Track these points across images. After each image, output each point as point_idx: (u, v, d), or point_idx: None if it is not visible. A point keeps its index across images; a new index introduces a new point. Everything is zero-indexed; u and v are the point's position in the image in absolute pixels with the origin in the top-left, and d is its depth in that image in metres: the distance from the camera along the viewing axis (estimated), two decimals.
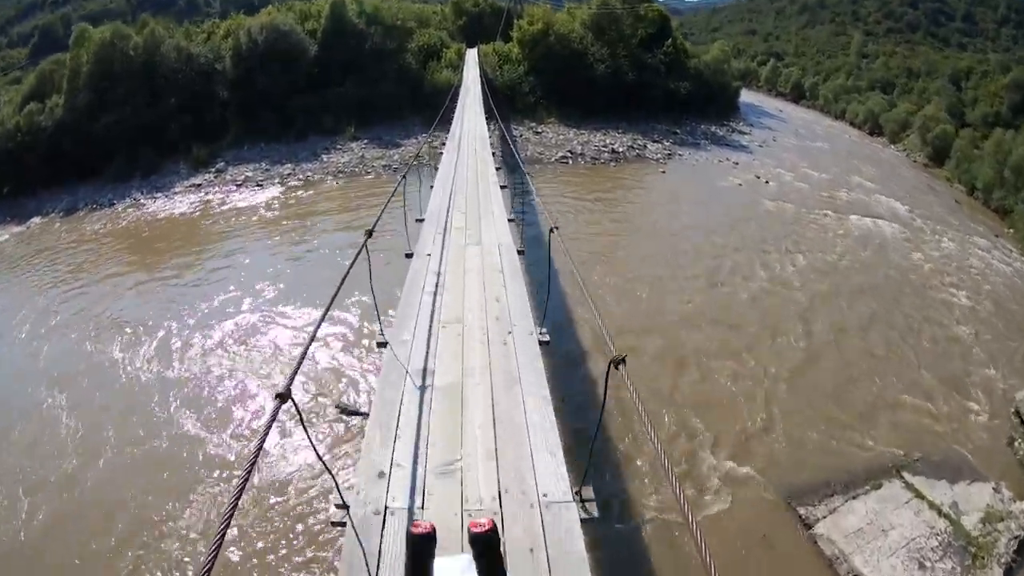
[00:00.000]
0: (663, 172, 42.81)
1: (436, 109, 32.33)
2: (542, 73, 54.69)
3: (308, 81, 47.39)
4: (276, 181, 37.86)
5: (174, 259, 27.92)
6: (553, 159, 42.71)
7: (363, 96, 47.20)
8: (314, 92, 46.86)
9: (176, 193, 37.85)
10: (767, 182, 41.42)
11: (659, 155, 47.05)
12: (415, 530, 3.59)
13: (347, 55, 48.94)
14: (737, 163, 46.27)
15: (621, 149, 46.33)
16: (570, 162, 42.71)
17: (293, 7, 56.26)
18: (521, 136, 45.90)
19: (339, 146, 43.04)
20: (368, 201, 33.28)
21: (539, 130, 49.01)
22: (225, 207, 34.79)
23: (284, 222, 31.73)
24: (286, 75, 46.52)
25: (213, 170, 40.54)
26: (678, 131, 55.46)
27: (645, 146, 48.70)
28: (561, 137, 47.75)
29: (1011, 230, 37.68)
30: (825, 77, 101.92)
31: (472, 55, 57.28)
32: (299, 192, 36.27)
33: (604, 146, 46.35)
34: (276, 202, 34.77)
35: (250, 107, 45.92)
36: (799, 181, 42.57)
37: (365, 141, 43.78)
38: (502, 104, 42.26)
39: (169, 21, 55.98)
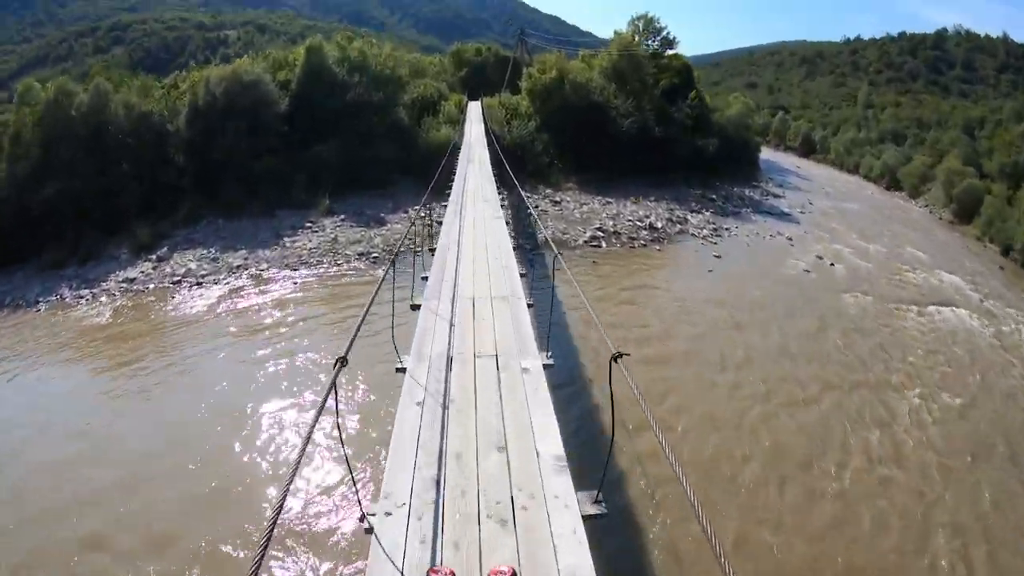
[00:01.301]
0: (717, 256, 32.44)
1: (431, 173, 24.10)
2: (556, 129, 44.12)
3: (280, 141, 36.65)
4: (221, 277, 26.77)
5: None
6: (581, 240, 32.10)
7: (344, 159, 36.44)
8: (286, 155, 36.06)
9: (104, 291, 26.48)
10: (832, 264, 32.99)
11: (704, 229, 36.81)
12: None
13: (326, 110, 38.30)
14: (791, 239, 37.44)
15: (659, 224, 35.69)
16: (603, 244, 32.02)
17: (268, 55, 46.18)
18: (537, 207, 35.33)
19: (310, 223, 32.15)
20: (337, 308, 23.38)
21: (557, 198, 38.32)
22: (147, 319, 23.56)
23: (206, 346, 20.67)
24: (252, 136, 35.96)
25: (154, 257, 29.29)
26: (714, 196, 45.69)
27: (686, 218, 38.27)
28: (586, 208, 37.03)
29: None
30: (835, 130, 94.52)
31: (475, 108, 46.99)
32: (243, 296, 24.89)
33: (639, 220, 35.72)
34: (210, 313, 23.52)
35: (209, 175, 35.07)
36: (859, 258, 34.92)
37: (342, 217, 32.89)
38: (511, 166, 31.85)
39: (130, 77, 45.13)
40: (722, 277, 29.11)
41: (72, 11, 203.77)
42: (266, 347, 20.01)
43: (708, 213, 41.10)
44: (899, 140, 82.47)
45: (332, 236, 30.25)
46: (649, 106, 47.06)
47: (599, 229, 33.14)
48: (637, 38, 49.73)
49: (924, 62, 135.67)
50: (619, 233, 33.29)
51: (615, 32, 51.65)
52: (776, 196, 51.64)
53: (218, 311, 23.60)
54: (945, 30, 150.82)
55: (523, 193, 23.50)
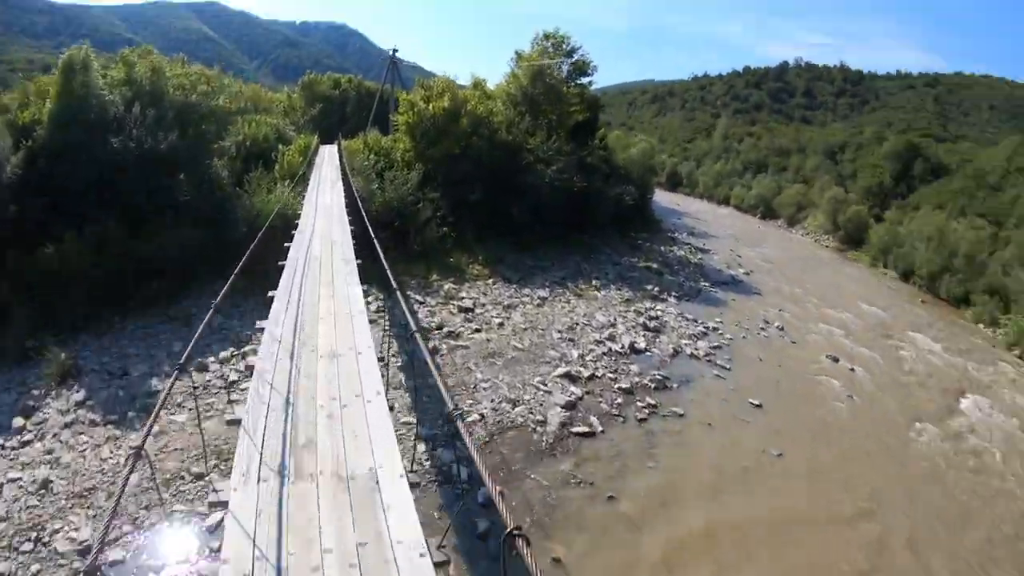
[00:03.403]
0: (757, 405, 18.37)
1: (256, 269, 14.08)
2: (450, 182, 28.46)
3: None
4: None
5: None
6: (550, 429, 14.71)
7: (105, 260, 18.10)
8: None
9: None
10: (852, 369, 23.14)
11: (698, 342, 22.53)
12: None
13: (88, 166, 19.21)
14: (780, 328, 26.74)
15: (642, 343, 20.78)
16: (594, 425, 15.31)
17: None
18: (437, 328, 19.18)
19: (21, 414, 13.61)
20: None
21: (464, 297, 22.08)
22: None
23: None
24: None
25: None
26: (655, 265, 32.66)
27: (662, 320, 23.77)
28: (517, 319, 20.95)
29: (993, 328, 31.83)
30: (698, 163, 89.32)
31: (331, 155, 31.29)
32: None
33: (609, 339, 20.56)
34: None
35: None
36: (848, 339, 26.82)
37: (83, 394, 14.33)
38: (387, 244, 18.31)
39: None
40: (788, 450, 16.13)
41: None
42: None
43: (672, 299, 27.27)
44: (761, 169, 78.33)
45: (49, 459, 12.21)
46: (566, 147, 32.68)
47: (567, 378, 17.06)
48: (551, 59, 34.81)
49: (768, 93, 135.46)
50: (596, 377, 17.64)
51: (516, 54, 36.41)
52: (702, 251, 41.23)
53: None
54: (786, 63, 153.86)
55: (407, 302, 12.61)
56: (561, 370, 17.10)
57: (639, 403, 16.68)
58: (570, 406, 15.45)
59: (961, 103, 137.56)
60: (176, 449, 12.27)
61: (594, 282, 26.92)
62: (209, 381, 14.63)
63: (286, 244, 14.63)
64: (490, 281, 24.36)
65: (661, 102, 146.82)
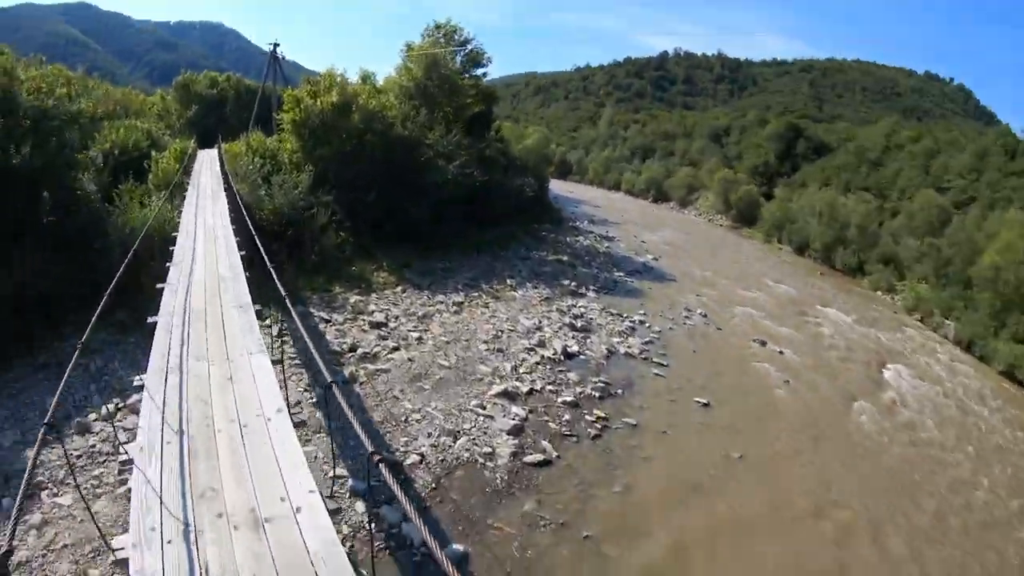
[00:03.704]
0: (704, 404, 17.11)
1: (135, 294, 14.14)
2: (344, 184, 25.25)
3: None
4: None
5: None
6: (500, 462, 12.39)
7: None
8: None
9: None
10: (781, 351, 22.74)
11: (628, 339, 20.89)
12: None
13: None
14: (704, 315, 25.92)
15: (574, 346, 18.86)
16: (549, 450, 13.09)
17: None
18: (350, 350, 16.25)
19: None
20: None
21: (373, 311, 19.15)
22: None
23: None
24: None
25: None
26: (565, 258, 31.07)
27: (588, 319, 21.92)
28: (436, 330, 18.40)
29: (891, 295, 33.79)
30: (586, 151, 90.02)
31: (209, 161, 27.96)
32: None
33: (539, 343, 18.56)
34: None
35: None
36: (768, 320, 26.69)
37: None
38: (277, 257, 15.90)
39: None
40: (746, 450, 15.12)
41: None
42: None
43: (591, 292, 25.61)
44: (648, 154, 79.67)
45: None
46: (465, 141, 30.15)
47: (506, 397, 14.74)
48: (445, 50, 32.02)
49: (650, 82, 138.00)
50: (535, 391, 15.43)
51: (407, 45, 33.35)
52: (607, 239, 40.30)
53: None
54: (666, 53, 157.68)
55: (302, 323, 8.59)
56: (497, 388, 14.90)
57: (588, 417, 14.74)
58: (516, 430, 13.28)
59: (835, 86, 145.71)
60: (66, 546, 9.34)
61: (508, 281, 24.88)
62: (94, 447, 11.55)
63: (158, 285, 11.70)
64: (399, 289, 21.76)
65: (545, 93, 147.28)
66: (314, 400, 12.90)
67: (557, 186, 65.91)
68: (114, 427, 11.34)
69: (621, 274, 30.06)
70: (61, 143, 19.10)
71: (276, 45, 40.75)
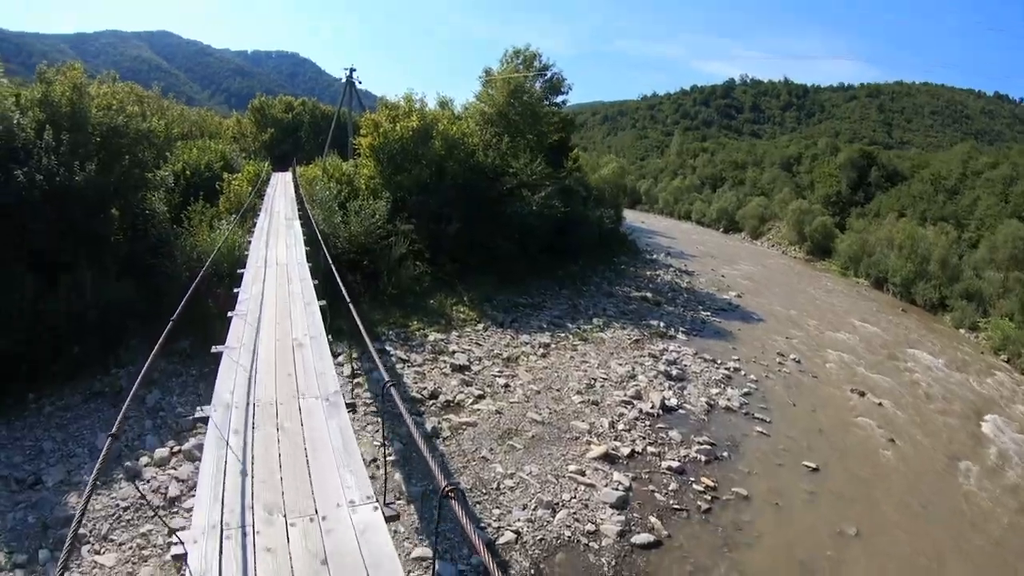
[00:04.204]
0: (812, 468, 15.46)
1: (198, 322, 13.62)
2: (425, 213, 24.35)
3: None
4: None
5: None
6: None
7: (19, 312, 13.37)
8: None
9: None
10: (880, 403, 20.86)
11: (727, 389, 19.23)
12: None
13: None
14: (798, 361, 24.01)
15: (673, 399, 17.20)
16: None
17: None
18: (429, 401, 14.92)
19: None
20: None
21: (454, 351, 17.93)
22: None
23: None
24: None
25: None
26: (649, 295, 29.48)
27: (683, 366, 20.23)
28: (526, 379, 16.92)
29: (975, 333, 31.52)
30: (655, 180, 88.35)
31: (283, 185, 27.52)
32: None
33: (636, 396, 16.91)
34: None
35: None
36: (855, 360, 25.09)
37: None
38: (353, 287, 16.45)
39: None
40: (862, 525, 13.42)
41: None
42: None
43: (681, 335, 23.91)
44: (718, 183, 77.84)
45: None
46: (547, 170, 28.55)
47: (606, 460, 13.13)
48: (527, 76, 29.94)
49: (716, 110, 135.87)
50: (637, 454, 13.74)
51: (485, 71, 31.73)
52: (686, 273, 38.60)
53: None
54: (733, 80, 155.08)
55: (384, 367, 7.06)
56: (596, 450, 13.37)
57: (695, 486, 13.11)
58: (621, 503, 11.74)
59: (903, 110, 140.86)
60: None
61: (595, 321, 23.41)
62: (144, 499, 10.58)
63: (229, 314, 10.40)
64: (480, 327, 20.49)
65: (612, 122, 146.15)
66: (393, 458, 11.65)
67: (628, 216, 65.15)
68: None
69: (708, 314, 28.30)
70: (134, 162, 18.58)
71: (352, 70, 40.54)
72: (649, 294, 29.28)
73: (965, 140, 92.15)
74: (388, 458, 11.53)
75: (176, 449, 11.83)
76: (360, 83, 40.91)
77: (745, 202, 67.40)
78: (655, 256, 42.11)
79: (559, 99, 32.93)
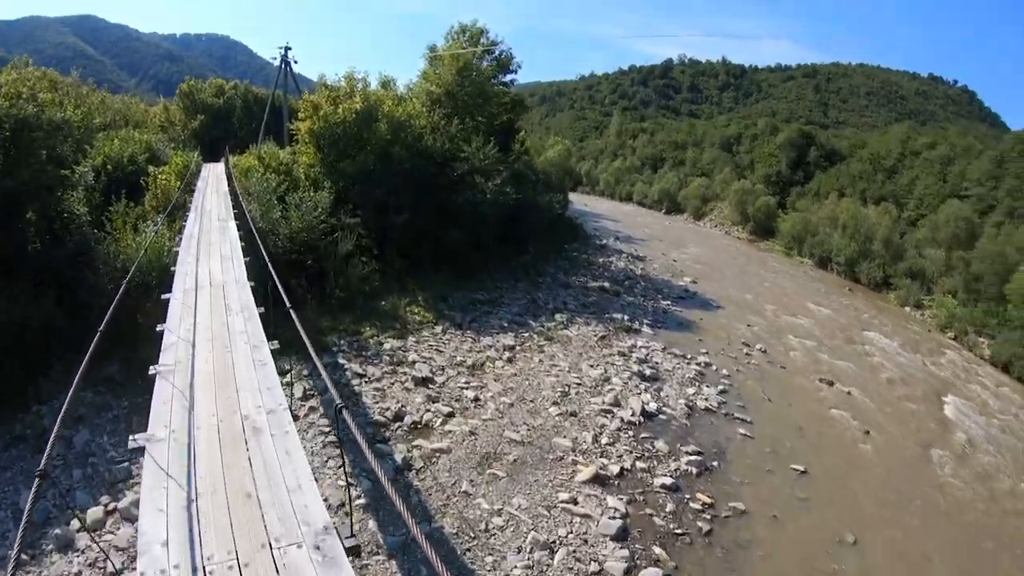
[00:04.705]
0: (800, 471, 14.81)
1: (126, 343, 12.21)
2: (370, 203, 22.24)
3: None
4: None
5: None
6: None
7: None
8: None
9: None
10: (848, 392, 20.91)
11: (702, 388, 18.24)
12: None
13: None
14: (764, 350, 23.64)
15: (653, 404, 15.94)
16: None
17: None
18: (397, 430, 12.98)
19: None
20: None
21: (413, 360, 16.12)
22: None
23: None
24: None
25: None
26: (605, 284, 28.53)
27: (655, 363, 19.26)
28: (495, 391, 15.36)
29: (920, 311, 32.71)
30: (595, 161, 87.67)
31: (215, 178, 25.17)
32: None
33: (611, 404, 15.47)
34: None
35: None
36: (816, 346, 25.19)
37: None
38: (294, 291, 14.73)
39: None
40: (857, 531, 13.00)
41: None
42: None
43: (646, 327, 22.92)
44: (658, 164, 77.78)
45: None
46: (496, 154, 26.38)
47: (597, 483, 11.83)
48: (475, 53, 28.02)
49: (655, 90, 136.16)
50: (626, 471, 12.49)
51: (429, 49, 29.62)
52: (638, 258, 37.90)
53: None
54: (671, 60, 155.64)
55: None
56: (585, 471, 12.03)
57: (692, 504, 11.99)
58: (621, 534, 10.46)
59: (839, 91, 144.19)
60: None
61: (557, 317, 22.10)
62: (78, 574, 8.73)
63: (159, 327, 8.74)
64: (438, 330, 18.86)
65: (550, 103, 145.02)
66: (364, 501, 10.12)
67: (571, 199, 64.35)
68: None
69: (668, 303, 27.47)
70: (52, 158, 16.23)
71: (287, 49, 37.86)
72: (607, 284, 28.28)
73: (900, 120, 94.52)
74: (355, 501, 9.96)
75: (112, 506, 9.91)
76: (296, 62, 38.44)
77: (686, 183, 67.44)
78: (604, 241, 41.20)
79: (508, 78, 31.33)
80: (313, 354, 6.46)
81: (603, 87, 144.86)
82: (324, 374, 6.13)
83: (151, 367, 6.73)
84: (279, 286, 9.03)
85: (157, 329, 8.46)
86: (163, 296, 10.53)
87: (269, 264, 10.29)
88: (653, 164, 77.72)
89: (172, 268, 12.32)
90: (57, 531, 9.29)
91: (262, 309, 9.52)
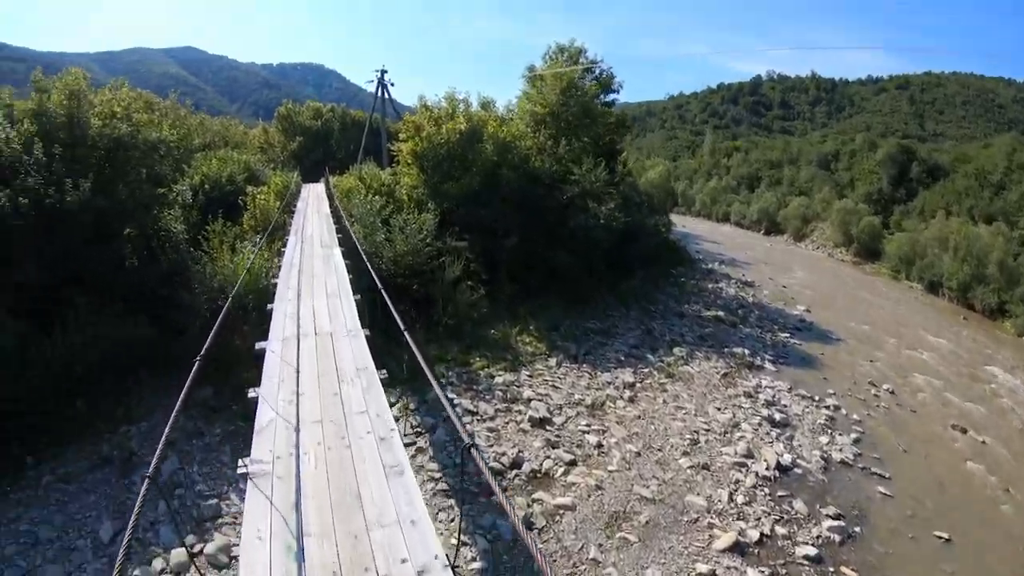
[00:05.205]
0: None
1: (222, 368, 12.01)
2: (476, 227, 21.53)
3: None
4: None
5: None
6: None
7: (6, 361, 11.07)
8: None
9: None
10: (983, 441, 18.60)
11: (846, 451, 16.35)
12: None
13: None
14: (892, 391, 21.66)
15: (788, 457, 14.47)
16: None
17: None
18: (513, 479, 12.09)
19: None
20: None
21: (534, 404, 14.90)
22: None
23: None
24: None
25: None
26: (721, 314, 27.04)
27: (784, 405, 17.82)
28: (631, 443, 14.10)
29: None
30: (690, 181, 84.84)
31: (315, 198, 25.23)
32: None
33: (745, 455, 14.16)
34: None
35: None
36: (943, 385, 22.72)
37: None
38: (406, 315, 13.28)
39: None
40: None
41: None
42: None
43: (768, 363, 21.44)
44: (754, 183, 74.72)
45: None
46: (607, 176, 25.64)
47: (737, 553, 10.55)
48: (578, 71, 27.36)
49: (745, 107, 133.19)
50: (766, 538, 11.17)
51: (527, 69, 29.16)
52: (747, 284, 36.01)
53: None
54: (760, 77, 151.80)
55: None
56: (723, 538, 10.90)
57: None
58: None
59: (934, 101, 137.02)
60: None
61: (675, 351, 20.86)
62: None
63: (258, 345, 8.45)
64: (551, 361, 17.94)
65: (640, 123, 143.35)
66: (479, 565, 9.29)
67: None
68: None
69: (786, 335, 25.80)
70: (149, 176, 16.28)
71: (384, 72, 38.10)
72: (721, 313, 26.84)
73: (1000, 131, 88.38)
74: (469, 565, 9.17)
75: (197, 548, 9.31)
76: (393, 84, 38.66)
77: (785, 202, 64.68)
78: (710, 265, 39.62)
79: (609, 98, 30.41)
80: (437, 389, 5.84)
81: (692, 106, 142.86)
82: (451, 412, 5.41)
83: (239, 461, 5.71)
84: (393, 311, 8.32)
85: (250, 395, 7.37)
86: (257, 345, 9.25)
87: (381, 288, 9.60)
88: (749, 183, 74.87)
89: (269, 306, 11.13)
90: (136, 572, 8.77)
91: (367, 331, 9.02)
